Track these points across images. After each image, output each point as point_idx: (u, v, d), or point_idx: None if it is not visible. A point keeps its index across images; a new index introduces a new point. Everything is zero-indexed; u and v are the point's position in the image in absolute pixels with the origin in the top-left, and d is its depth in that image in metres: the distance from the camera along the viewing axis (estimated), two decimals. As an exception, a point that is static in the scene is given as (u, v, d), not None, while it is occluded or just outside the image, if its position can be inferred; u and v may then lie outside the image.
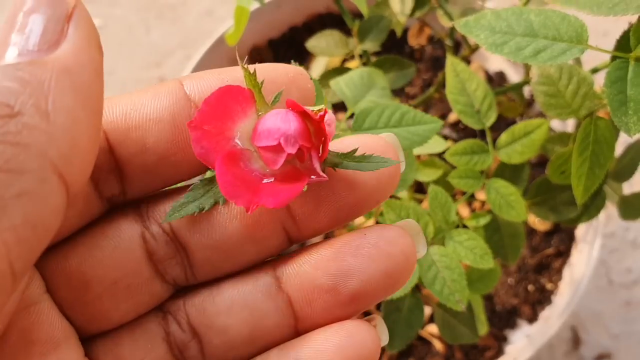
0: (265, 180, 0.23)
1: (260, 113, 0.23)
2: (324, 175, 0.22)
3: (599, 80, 0.42)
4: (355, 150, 0.23)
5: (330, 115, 0.22)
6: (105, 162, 0.23)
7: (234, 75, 0.24)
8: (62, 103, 0.18)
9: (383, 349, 0.58)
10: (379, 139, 0.24)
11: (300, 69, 0.25)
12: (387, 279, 0.23)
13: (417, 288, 0.44)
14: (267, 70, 0.24)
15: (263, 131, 0.22)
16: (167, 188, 0.25)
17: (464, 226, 0.43)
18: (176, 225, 0.24)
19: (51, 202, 0.18)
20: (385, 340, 0.24)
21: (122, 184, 0.24)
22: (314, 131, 0.23)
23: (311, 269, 0.24)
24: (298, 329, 0.24)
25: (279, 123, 0.22)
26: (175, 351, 0.24)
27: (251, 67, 0.24)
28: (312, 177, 0.23)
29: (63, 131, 0.18)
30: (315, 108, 0.22)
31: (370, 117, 0.38)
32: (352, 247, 0.23)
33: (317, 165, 0.22)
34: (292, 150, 0.22)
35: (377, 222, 0.45)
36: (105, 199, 0.24)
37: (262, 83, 0.23)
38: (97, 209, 0.24)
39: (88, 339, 0.24)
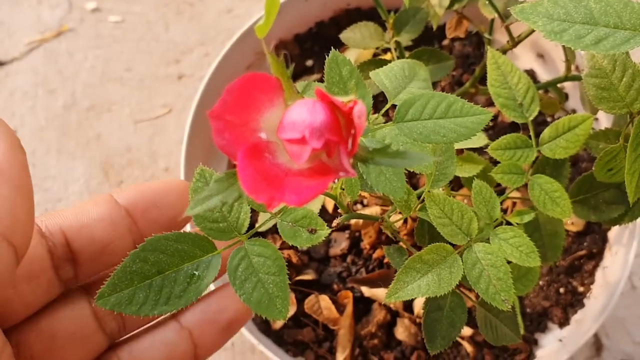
0: (290, 176, 0.21)
1: (289, 103, 0.21)
2: (353, 171, 0.20)
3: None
4: (388, 146, 0.22)
5: (359, 107, 0.20)
6: (63, 253, 0.32)
7: (150, 188, 0.33)
8: (2, 193, 0.25)
9: (414, 349, 0.56)
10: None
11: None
12: None
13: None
14: (167, 183, 0.34)
15: (288, 123, 0.21)
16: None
17: (508, 223, 0.42)
18: None
19: (4, 260, 0.25)
20: None
21: (75, 270, 0.32)
22: (344, 123, 0.21)
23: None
24: (196, 355, 0.34)
25: (305, 114, 0.20)
26: None
27: (149, 185, 0.31)
28: (341, 173, 0.21)
29: (6, 211, 0.25)
30: (346, 99, 0.20)
31: (414, 107, 0.35)
32: None
33: (345, 161, 0.20)
34: (317, 144, 0.20)
35: (417, 218, 0.43)
36: (63, 282, 0.32)
37: (291, 71, 0.21)
38: (57, 289, 0.32)
39: None
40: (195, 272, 0.30)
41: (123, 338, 0.34)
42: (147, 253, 0.30)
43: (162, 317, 0.34)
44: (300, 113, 0.20)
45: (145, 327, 0.35)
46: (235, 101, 0.20)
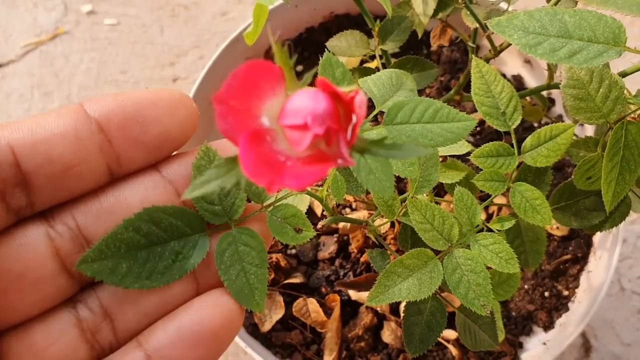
0: (289, 163, 0.21)
1: (289, 93, 0.22)
2: (352, 159, 0.21)
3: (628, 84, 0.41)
4: (385, 137, 0.22)
5: (361, 97, 0.20)
6: (12, 175, 0.26)
7: (131, 98, 0.27)
8: None
9: (400, 352, 0.57)
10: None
11: (185, 93, 0.28)
12: None
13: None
14: (153, 92, 0.27)
15: (291, 110, 0.21)
16: None
17: (489, 230, 0.43)
18: (82, 221, 0.27)
19: None
20: None
21: (29, 196, 0.26)
22: (343, 114, 0.22)
23: None
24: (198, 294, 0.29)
25: (308, 102, 0.21)
26: (88, 335, 0.27)
27: (131, 93, 0.27)
28: (339, 161, 0.21)
29: None
30: (347, 89, 0.21)
31: (402, 111, 0.36)
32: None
33: (344, 150, 0.21)
34: (319, 130, 0.21)
35: (399, 223, 0.44)
36: (13, 211, 0.26)
37: (293, 61, 0.22)
38: (4, 221, 0.26)
39: (1, 334, 0.26)
40: (181, 249, 0.30)
41: None
42: (141, 223, 0.28)
43: None
44: (303, 100, 0.21)
45: None
46: (239, 87, 0.21)
